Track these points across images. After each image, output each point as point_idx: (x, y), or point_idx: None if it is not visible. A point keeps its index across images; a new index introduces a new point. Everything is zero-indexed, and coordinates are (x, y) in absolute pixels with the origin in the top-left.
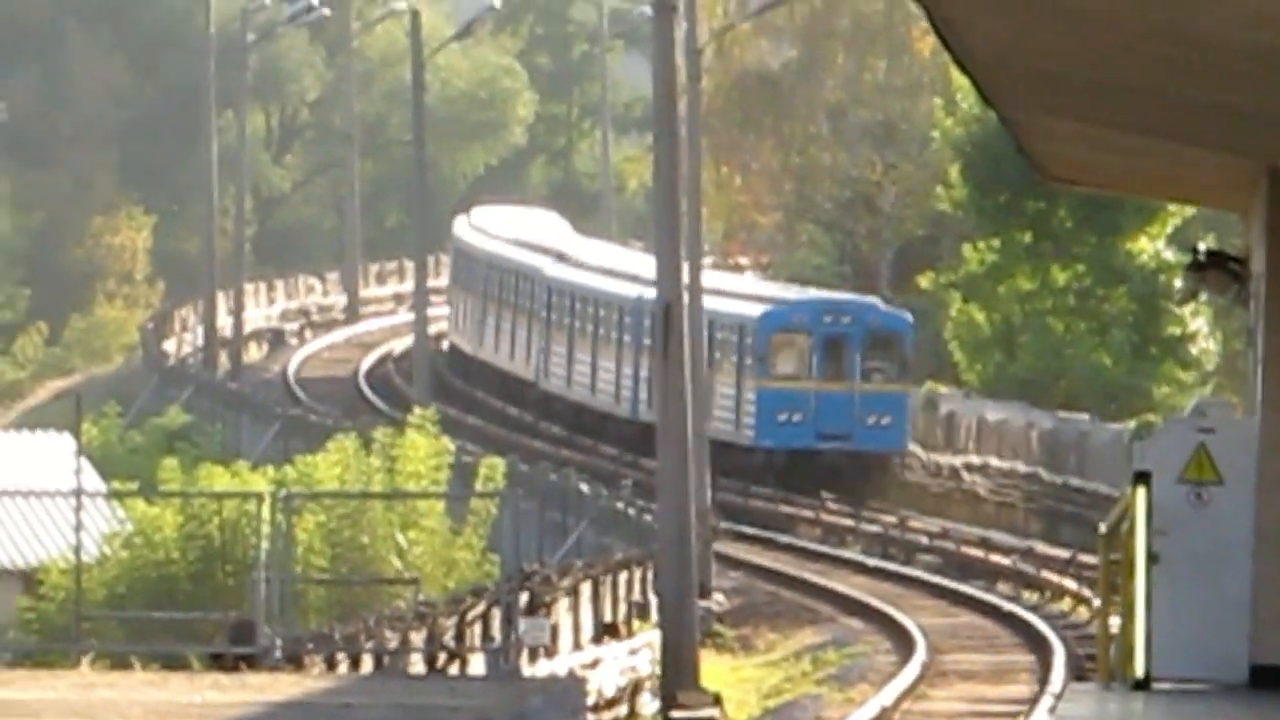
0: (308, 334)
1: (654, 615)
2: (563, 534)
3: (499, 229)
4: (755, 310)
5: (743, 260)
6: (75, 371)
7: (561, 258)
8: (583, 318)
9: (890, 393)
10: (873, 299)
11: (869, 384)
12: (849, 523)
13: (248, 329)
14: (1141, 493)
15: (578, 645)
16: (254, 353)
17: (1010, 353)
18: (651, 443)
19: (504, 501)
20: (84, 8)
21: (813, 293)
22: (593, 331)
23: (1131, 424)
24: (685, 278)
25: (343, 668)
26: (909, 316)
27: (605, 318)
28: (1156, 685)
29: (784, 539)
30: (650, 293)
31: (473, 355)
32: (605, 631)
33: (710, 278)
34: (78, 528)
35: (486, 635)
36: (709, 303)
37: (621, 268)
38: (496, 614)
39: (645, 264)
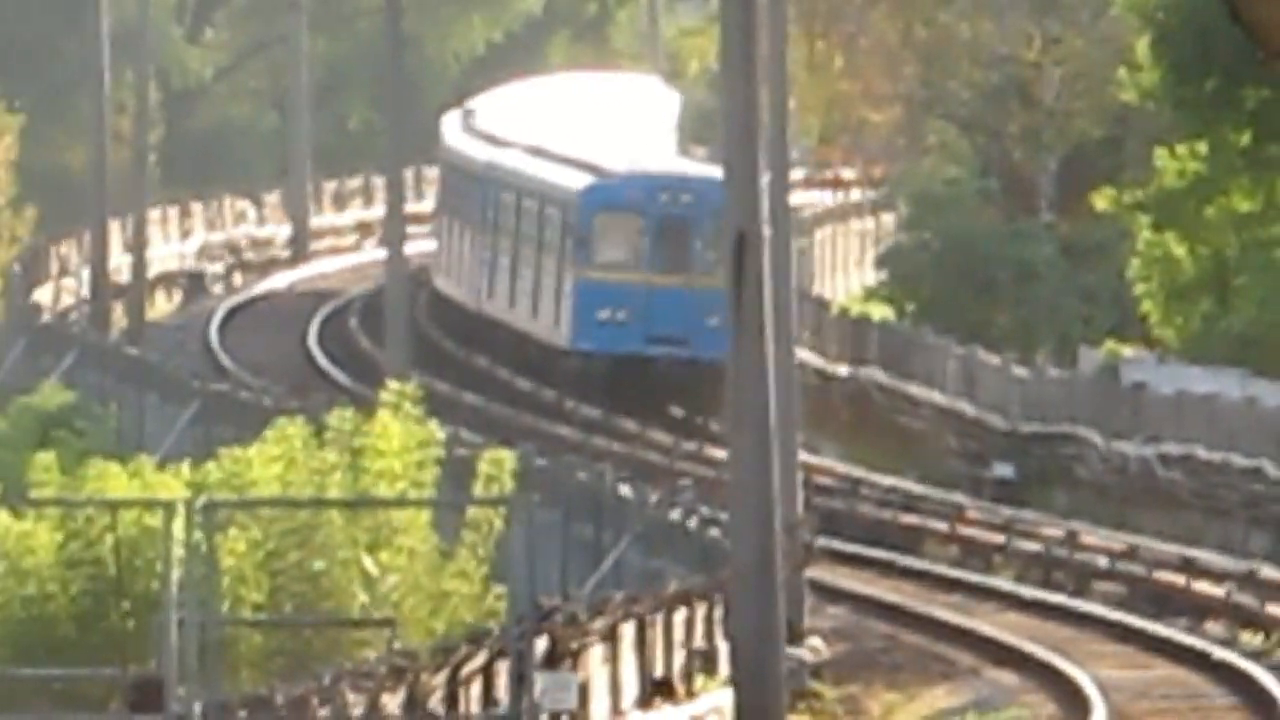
0: (237, 278)
1: (724, 668)
2: (596, 556)
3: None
4: (580, 183)
5: (846, 173)
6: None
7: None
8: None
9: None
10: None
11: (713, 277)
12: (997, 538)
13: (153, 271)
14: None
15: (617, 710)
16: (162, 305)
17: (1223, 300)
18: (596, 379)
19: (514, 511)
20: None
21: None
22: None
23: None
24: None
25: None
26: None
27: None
28: None
29: (905, 561)
30: (602, 179)
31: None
32: (656, 691)
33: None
34: None
35: (489, 698)
36: (528, 168)
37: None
38: (503, 668)
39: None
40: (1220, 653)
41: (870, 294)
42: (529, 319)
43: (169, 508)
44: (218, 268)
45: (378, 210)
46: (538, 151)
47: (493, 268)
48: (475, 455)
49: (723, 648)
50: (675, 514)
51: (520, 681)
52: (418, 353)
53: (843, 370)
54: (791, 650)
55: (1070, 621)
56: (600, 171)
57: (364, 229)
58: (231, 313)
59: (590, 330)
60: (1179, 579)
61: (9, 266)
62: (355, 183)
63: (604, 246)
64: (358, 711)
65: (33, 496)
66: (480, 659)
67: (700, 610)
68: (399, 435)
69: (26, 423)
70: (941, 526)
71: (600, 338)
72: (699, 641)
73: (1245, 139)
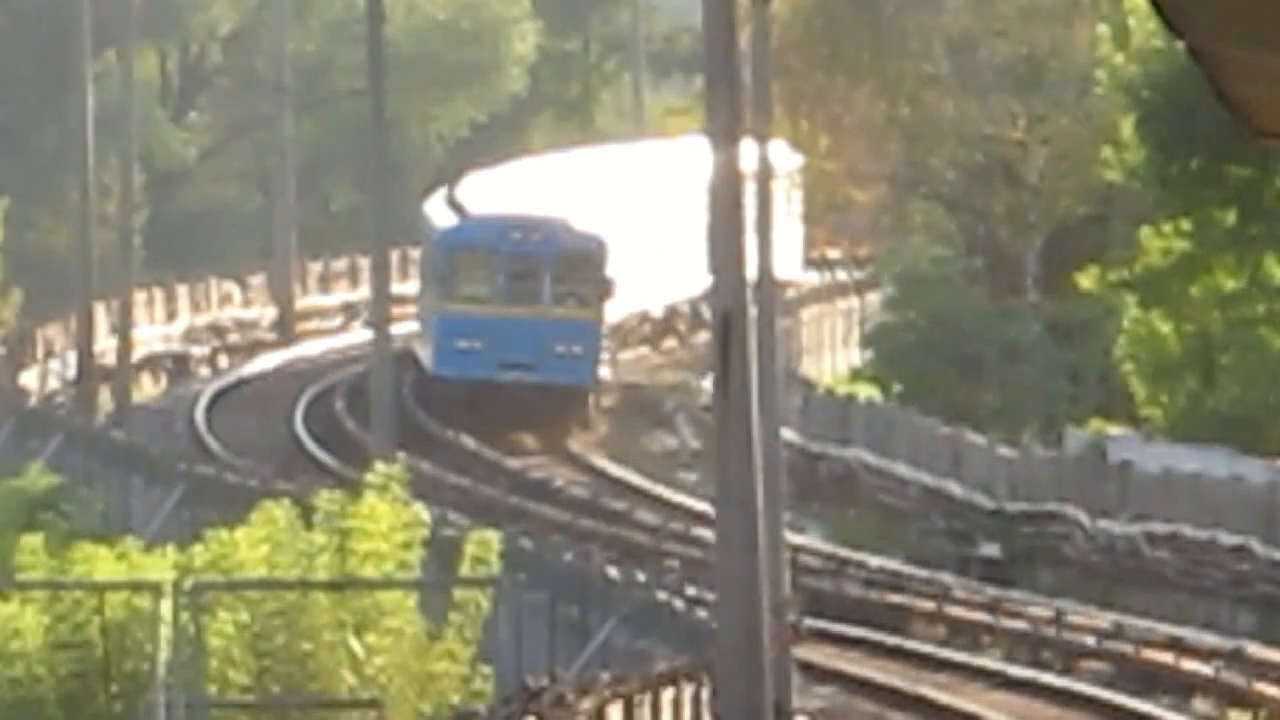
0: (223, 360)
1: None
2: (583, 636)
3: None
4: (444, 225)
5: (832, 252)
6: None
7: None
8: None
9: (582, 320)
10: (564, 218)
11: (559, 309)
12: (984, 617)
13: (138, 354)
14: None
15: None
16: (148, 387)
17: (1209, 378)
18: (457, 402)
19: (500, 592)
20: None
21: (505, 212)
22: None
23: None
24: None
25: None
26: (602, 237)
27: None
28: None
29: (893, 640)
30: (461, 221)
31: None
32: None
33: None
34: None
35: None
36: (434, 220)
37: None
38: None
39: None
40: None
41: (856, 374)
42: (423, 354)
43: (156, 590)
44: (203, 350)
45: (363, 291)
46: (459, 209)
47: (420, 318)
48: (462, 537)
49: None
50: (662, 594)
51: None
52: (404, 434)
53: (829, 450)
54: None
55: (1058, 700)
56: (464, 215)
57: (350, 310)
58: (218, 395)
59: (450, 358)
60: (1167, 657)
61: None
62: (340, 264)
63: (462, 282)
64: None
65: (20, 579)
66: None
67: (688, 691)
68: (386, 517)
69: (13, 506)
70: (929, 606)
71: (459, 364)
72: None
73: (1230, 217)
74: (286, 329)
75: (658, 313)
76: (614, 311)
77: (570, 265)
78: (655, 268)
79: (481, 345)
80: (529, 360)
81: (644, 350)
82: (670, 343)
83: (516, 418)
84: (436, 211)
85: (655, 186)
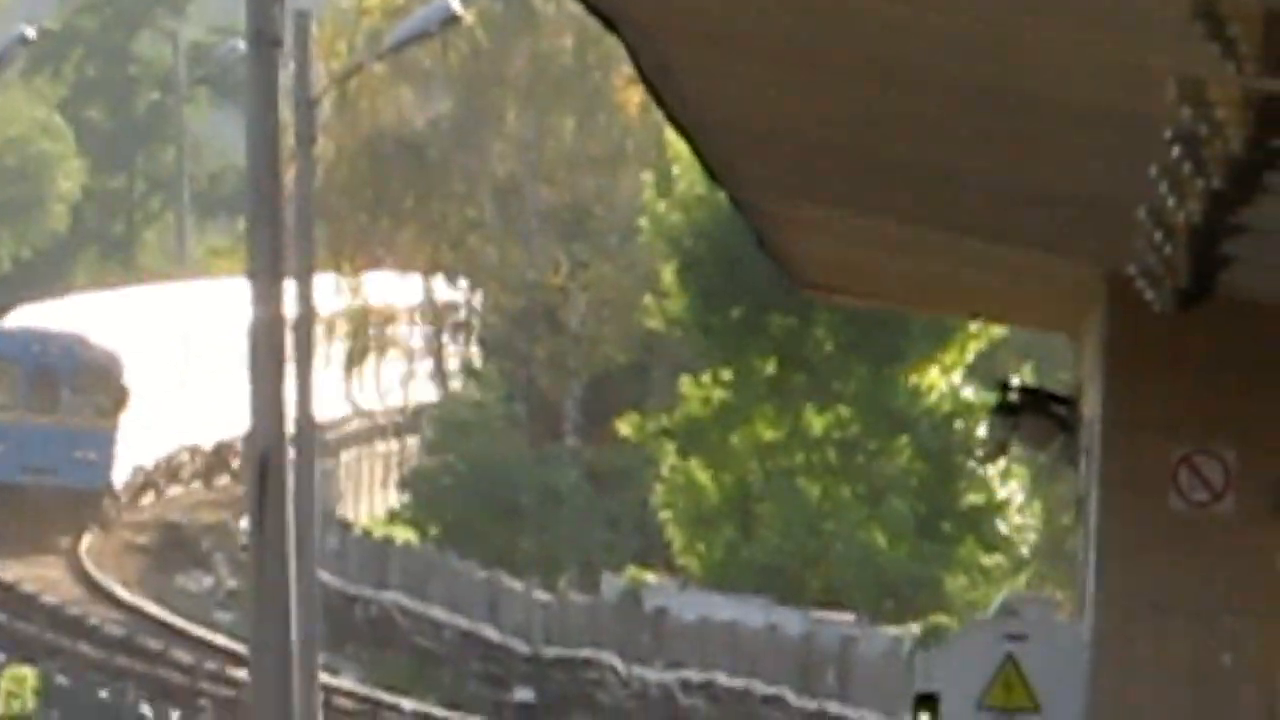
0: None
1: None
2: None
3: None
4: None
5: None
6: None
7: None
8: None
9: (98, 428)
10: (82, 333)
11: (78, 417)
12: None
13: None
14: None
15: None
16: None
17: (746, 528)
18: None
19: None
20: None
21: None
22: None
23: (915, 628)
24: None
25: None
26: (118, 351)
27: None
28: None
29: None
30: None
31: None
32: None
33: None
34: None
35: None
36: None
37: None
38: None
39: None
40: None
41: (394, 516)
42: None
43: None
44: None
45: None
46: None
47: None
48: None
49: None
50: None
51: None
52: None
53: (365, 592)
54: None
55: None
56: None
57: None
58: None
59: None
60: None
61: None
62: None
63: None
64: None
65: None
66: None
67: None
68: None
69: None
70: None
71: None
72: None
73: (770, 366)
74: None
75: (208, 447)
76: (163, 446)
77: (88, 375)
78: (204, 404)
79: (3, 449)
80: (49, 464)
81: (195, 486)
82: (223, 479)
83: (37, 518)
84: None
85: (202, 325)
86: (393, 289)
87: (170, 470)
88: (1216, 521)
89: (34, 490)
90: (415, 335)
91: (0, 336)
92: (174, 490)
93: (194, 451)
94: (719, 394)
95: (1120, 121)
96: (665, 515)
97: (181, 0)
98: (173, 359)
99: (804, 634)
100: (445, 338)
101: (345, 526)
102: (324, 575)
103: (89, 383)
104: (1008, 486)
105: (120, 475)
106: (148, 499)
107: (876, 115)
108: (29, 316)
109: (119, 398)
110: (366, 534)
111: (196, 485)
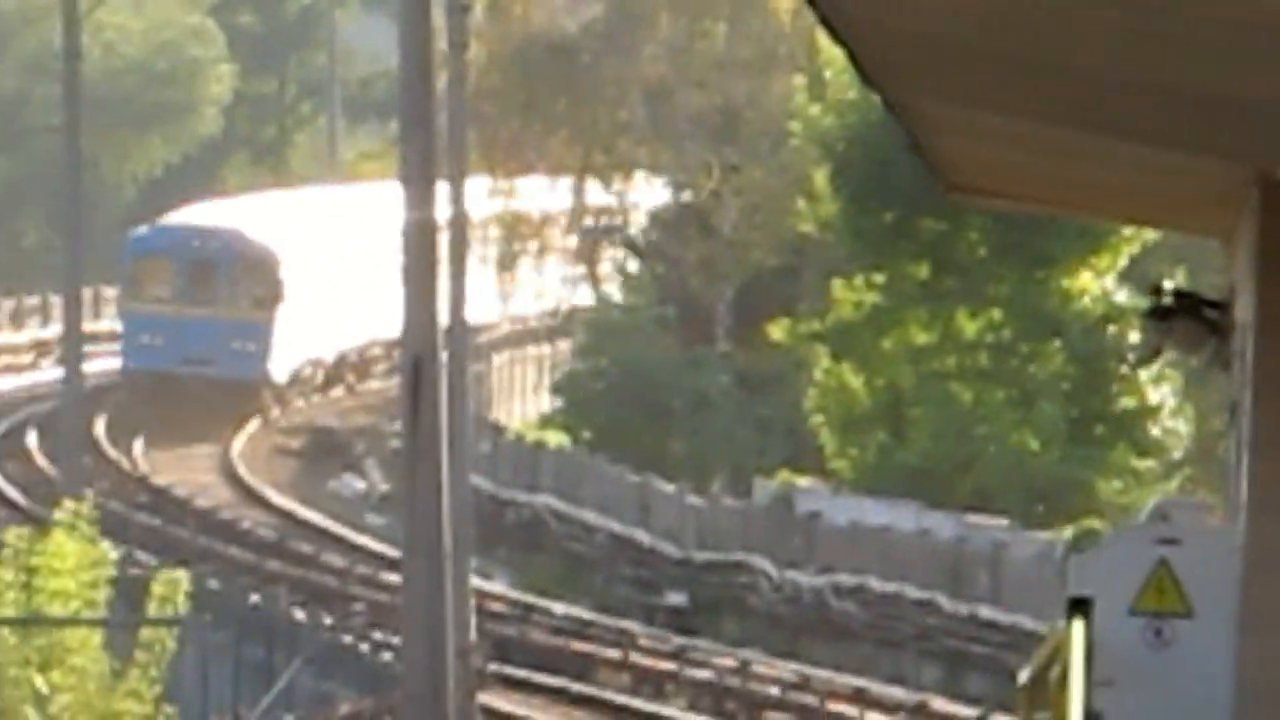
0: None
1: None
2: (268, 677)
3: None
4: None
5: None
6: None
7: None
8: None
9: (255, 319)
10: (239, 227)
11: (235, 309)
12: (670, 666)
13: None
14: (1079, 628)
15: None
16: None
17: (898, 432)
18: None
19: (186, 632)
20: None
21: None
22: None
23: (1066, 532)
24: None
25: None
26: (275, 246)
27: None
28: None
29: (577, 687)
30: (142, 229)
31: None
32: None
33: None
34: None
35: None
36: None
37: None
38: None
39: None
40: None
41: (546, 421)
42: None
43: None
44: None
45: (55, 329)
46: None
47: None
48: (149, 576)
49: None
50: (348, 637)
51: None
52: (100, 471)
53: (517, 496)
54: None
55: None
56: (150, 224)
57: (41, 347)
58: None
59: (135, 353)
60: (852, 709)
61: None
62: (33, 300)
63: (143, 284)
64: None
65: None
66: None
67: None
68: (73, 555)
69: None
70: (614, 654)
71: (142, 358)
72: None
73: (923, 271)
74: None
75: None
76: (308, 353)
77: (245, 268)
78: (354, 309)
79: (163, 341)
80: (207, 355)
81: (339, 393)
82: (374, 384)
83: (196, 409)
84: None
85: (352, 229)
86: (545, 193)
87: (315, 377)
88: None
89: (192, 381)
90: (567, 239)
91: (159, 232)
92: (335, 392)
93: (340, 359)
94: (870, 298)
95: (1276, 19)
96: (817, 419)
97: None
98: (327, 261)
99: (955, 538)
100: (597, 241)
101: (497, 430)
102: (476, 479)
103: (246, 275)
104: (1160, 390)
105: (279, 370)
106: (299, 402)
107: (1030, 15)
108: (188, 216)
109: (275, 291)
110: (518, 438)
111: (340, 392)
